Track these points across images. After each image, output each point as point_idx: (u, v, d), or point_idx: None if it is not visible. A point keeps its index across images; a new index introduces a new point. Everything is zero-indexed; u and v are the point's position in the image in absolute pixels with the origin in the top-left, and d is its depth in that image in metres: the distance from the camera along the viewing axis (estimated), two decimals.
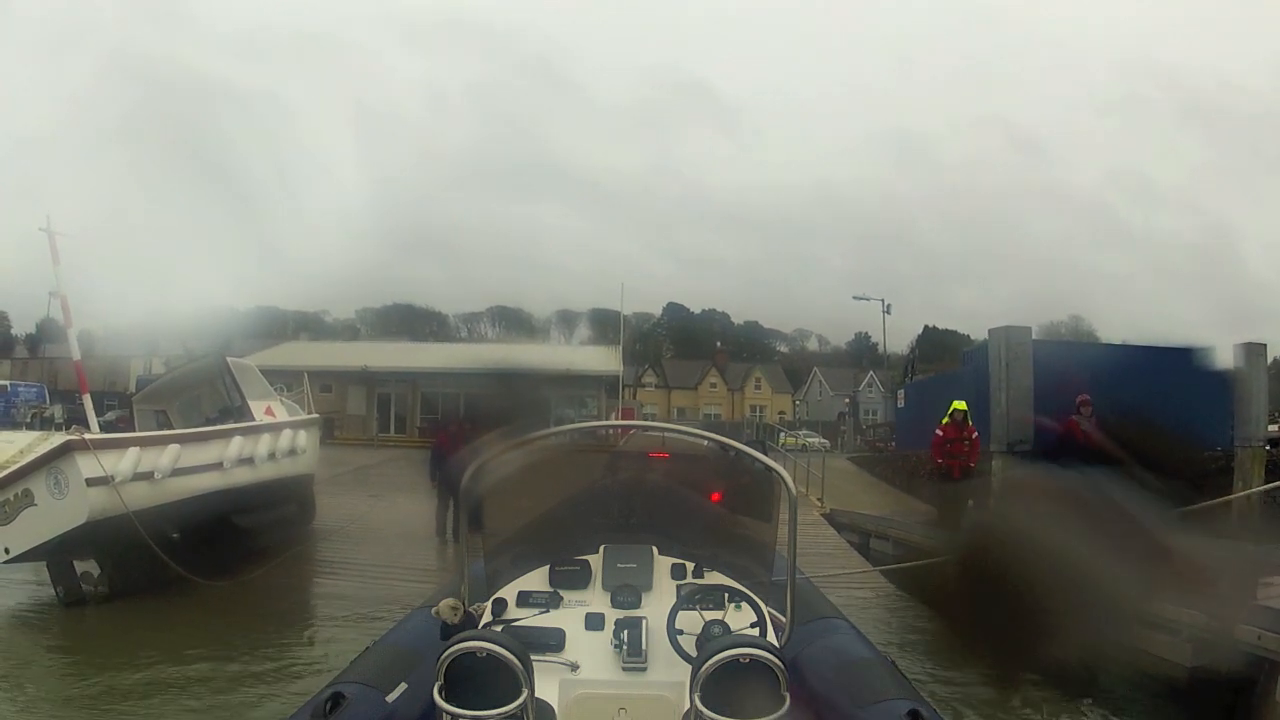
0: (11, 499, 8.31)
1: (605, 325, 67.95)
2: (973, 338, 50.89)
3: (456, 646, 2.70)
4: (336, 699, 3.30)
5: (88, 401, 9.56)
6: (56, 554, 8.66)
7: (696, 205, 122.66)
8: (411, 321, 79.30)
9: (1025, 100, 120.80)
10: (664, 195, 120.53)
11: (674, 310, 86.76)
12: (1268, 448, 18.84)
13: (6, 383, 36.30)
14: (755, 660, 2.68)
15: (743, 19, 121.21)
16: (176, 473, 9.24)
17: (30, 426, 24.50)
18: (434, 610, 3.53)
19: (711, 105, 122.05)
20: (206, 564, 9.05)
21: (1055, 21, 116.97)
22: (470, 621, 3.49)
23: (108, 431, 10.22)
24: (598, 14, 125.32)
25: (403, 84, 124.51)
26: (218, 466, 9.92)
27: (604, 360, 39.27)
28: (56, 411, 30.37)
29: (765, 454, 4.14)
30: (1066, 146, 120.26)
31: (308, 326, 66.24)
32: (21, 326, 69.14)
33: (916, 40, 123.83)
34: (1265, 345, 10.53)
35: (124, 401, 17.68)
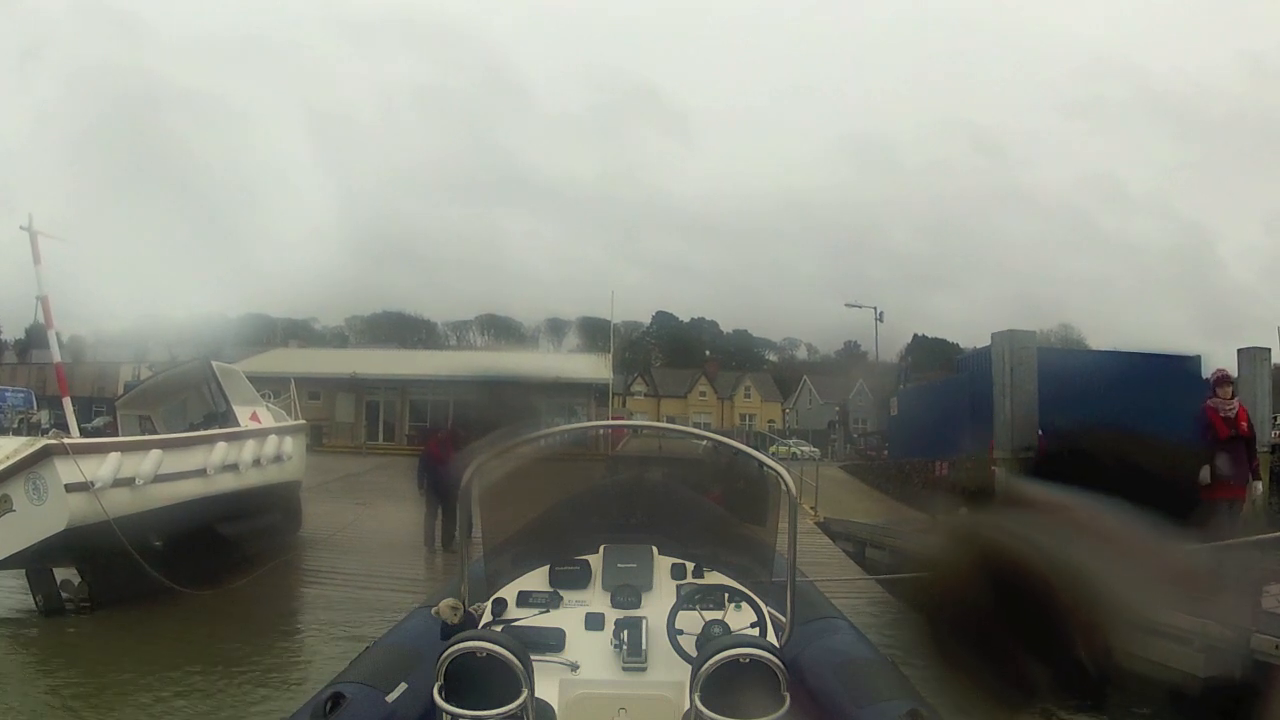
0: None
1: (594, 333, 67.98)
2: (963, 346, 51.09)
3: (456, 646, 2.69)
4: (336, 699, 3.27)
5: (68, 405, 9.40)
6: (36, 562, 8.52)
7: (683, 215, 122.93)
8: (400, 329, 79.26)
9: (1003, 107, 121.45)
10: (646, 205, 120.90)
11: (663, 318, 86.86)
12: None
13: None
14: (755, 660, 2.67)
15: (703, 29, 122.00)
16: (159, 479, 9.11)
17: (17, 432, 24.31)
18: (434, 610, 3.52)
19: (677, 114, 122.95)
20: (190, 573, 8.92)
21: (1019, 25, 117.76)
22: (470, 621, 3.47)
23: (95, 438, 10.06)
24: (557, 24, 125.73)
25: (371, 93, 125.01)
26: (201, 473, 9.81)
27: (593, 368, 39.32)
28: (44, 417, 30.11)
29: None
30: (1047, 152, 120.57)
31: (296, 333, 66.01)
32: (11, 332, 68.79)
33: (888, 46, 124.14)
34: (1269, 350, 10.55)
35: (111, 407, 17.50)
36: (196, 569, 9.06)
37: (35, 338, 60.16)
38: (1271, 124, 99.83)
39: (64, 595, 8.81)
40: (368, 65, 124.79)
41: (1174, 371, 13.43)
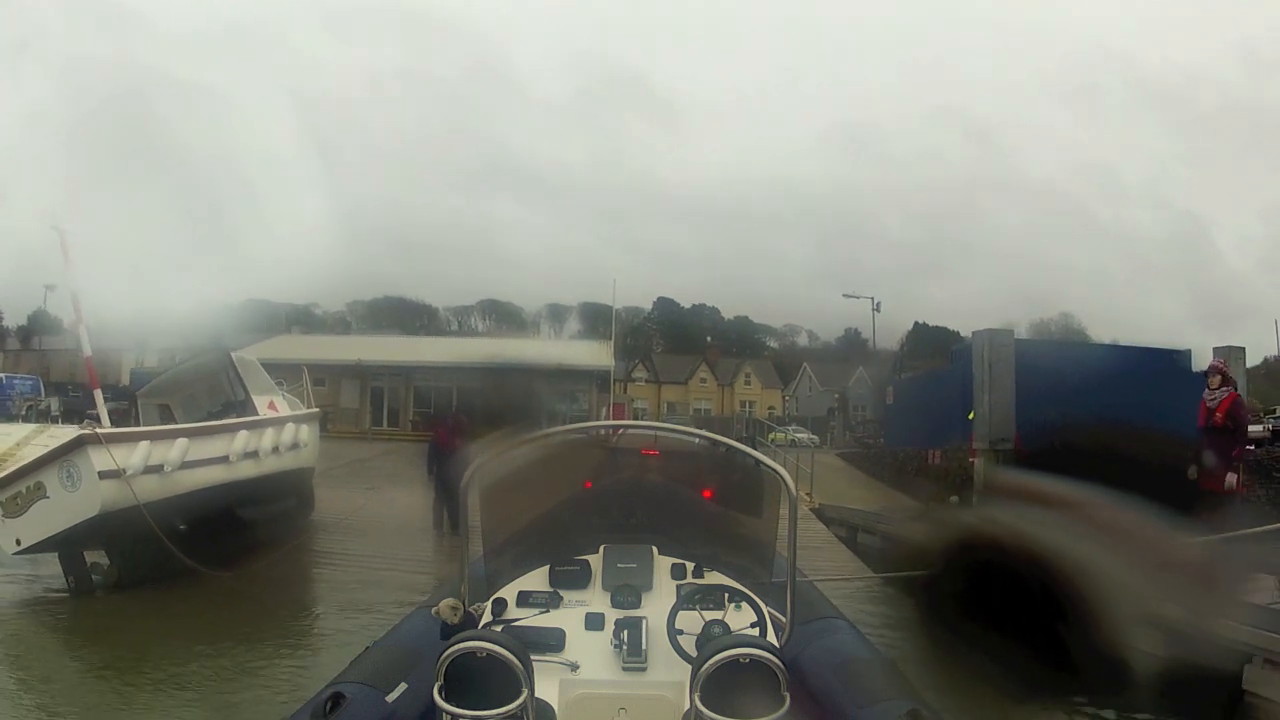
0: (23, 491, 8.53)
1: (595, 318, 68.06)
2: (963, 334, 51.18)
3: (456, 646, 2.70)
4: (336, 699, 3.31)
5: (98, 396, 9.70)
6: (68, 545, 8.85)
7: (678, 203, 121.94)
8: (402, 314, 79.21)
9: (996, 95, 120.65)
10: (642, 194, 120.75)
11: (664, 304, 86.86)
12: (1251, 447, 19.21)
13: (2, 375, 36.17)
14: (755, 660, 2.67)
15: (692, 16, 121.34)
16: (185, 466, 9.46)
17: (26, 419, 24.58)
18: (434, 610, 3.51)
19: (668, 103, 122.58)
20: (211, 555, 9.21)
21: (1010, 13, 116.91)
22: (470, 621, 3.48)
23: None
24: (547, 12, 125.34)
25: (362, 83, 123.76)
26: (224, 460, 10.14)
27: (595, 355, 39.59)
28: (53, 404, 30.32)
29: (755, 449, 4.19)
30: (1042, 141, 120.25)
31: (299, 320, 65.97)
32: (13, 319, 68.74)
33: (878, 34, 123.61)
34: (1244, 349, 10.88)
35: (117, 394, 17.73)
36: (217, 551, 9.33)
37: (38, 324, 60.34)
38: (1266, 114, 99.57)
39: (94, 576, 9.15)
40: (359, 55, 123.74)
41: (1163, 365, 13.70)
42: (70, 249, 9.32)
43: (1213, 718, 5.72)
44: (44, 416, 26.58)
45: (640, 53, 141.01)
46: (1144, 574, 5.31)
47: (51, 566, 9.31)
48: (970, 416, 10.23)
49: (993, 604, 5.56)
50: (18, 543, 8.60)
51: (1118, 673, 5.21)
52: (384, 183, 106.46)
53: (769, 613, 3.51)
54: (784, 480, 3.44)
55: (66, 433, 16.44)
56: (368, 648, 4.20)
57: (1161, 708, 5.79)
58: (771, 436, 35.51)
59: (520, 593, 3.68)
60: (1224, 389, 8.67)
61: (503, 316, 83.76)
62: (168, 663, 6.77)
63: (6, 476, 8.72)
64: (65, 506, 8.49)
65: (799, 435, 42.31)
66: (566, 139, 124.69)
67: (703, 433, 4.38)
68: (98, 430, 8.75)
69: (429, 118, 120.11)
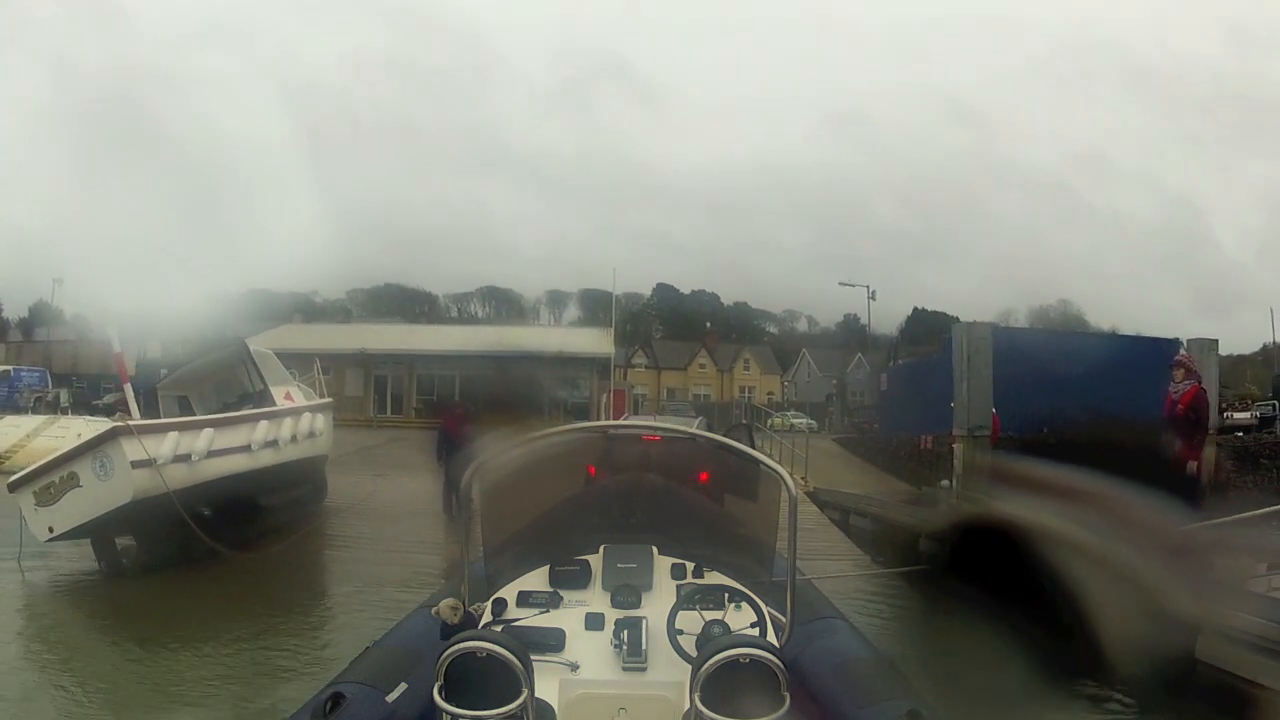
0: (57, 481, 8.91)
1: (595, 305, 68.34)
2: (963, 320, 51.28)
3: (456, 646, 2.70)
4: (336, 699, 3.33)
5: (128, 390, 10.07)
6: (100, 531, 9.22)
7: (677, 193, 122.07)
8: (402, 302, 79.53)
9: (990, 83, 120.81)
10: (639, 184, 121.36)
11: (664, 291, 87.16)
12: (1240, 434, 19.70)
13: (9, 368, 36.36)
14: (755, 660, 2.67)
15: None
16: (210, 455, 9.86)
17: (35, 411, 24.87)
18: (434, 610, 3.50)
19: (661, 93, 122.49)
20: (233, 539, 9.53)
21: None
22: (470, 621, 3.48)
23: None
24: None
25: (350, 72, 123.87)
26: (246, 449, 10.56)
27: (595, 342, 39.93)
28: (61, 395, 30.55)
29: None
30: (1035, 128, 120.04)
31: (300, 308, 66.10)
32: (12, 311, 68.79)
33: (871, 23, 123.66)
34: (1216, 341, 11.41)
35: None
36: (237, 536, 9.64)
37: (39, 316, 60.50)
38: (1258, 97, 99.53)
39: (123, 560, 9.52)
40: (351, 44, 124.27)
41: (1151, 354, 14.10)
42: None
43: (1166, 685, 5.88)
44: (52, 408, 26.84)
45: (633, 41, 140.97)
46: (1124, 550, 5.70)
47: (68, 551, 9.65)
48: (952, 405, 10.70)
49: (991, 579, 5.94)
50: (50, 530, 8.95)
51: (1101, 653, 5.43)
52: (383, 174, 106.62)
53: (769, 613, 3.51)
54: (784, 480, 3.48)
55: (76, 423, 16.86)
56: (368, 648, 4.22)
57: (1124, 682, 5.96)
58: (770, 422, 35.84)
59: (520, 593, 3.68)
60: (1187, 382, 9.16)
61: (502, 303, 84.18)
62: (193, 638, 7.11)
63: (39, 468, 9.11)
64: (98, 495, 8.86)
65: (797, 421, 42.69)
66: (561, 127, 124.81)
67: (703, 434, 4.54)
68: (130, 422, 9.14)
69: (424, 107, 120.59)
